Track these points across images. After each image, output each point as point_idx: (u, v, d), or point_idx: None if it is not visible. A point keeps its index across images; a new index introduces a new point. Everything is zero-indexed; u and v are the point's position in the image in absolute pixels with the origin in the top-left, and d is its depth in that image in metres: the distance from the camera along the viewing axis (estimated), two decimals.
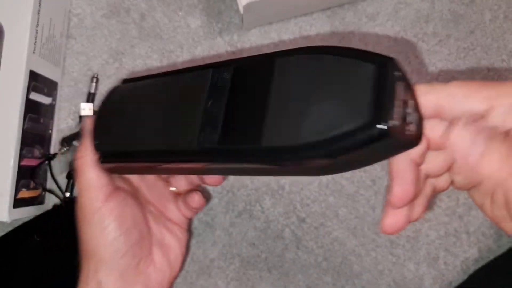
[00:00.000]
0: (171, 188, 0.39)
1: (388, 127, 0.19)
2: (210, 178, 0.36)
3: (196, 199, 0.37)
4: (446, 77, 0.47)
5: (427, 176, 0.27)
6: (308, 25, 0.47)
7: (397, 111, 0.20)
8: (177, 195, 0.39)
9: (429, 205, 0.29)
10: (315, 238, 0.47)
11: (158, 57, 0.47)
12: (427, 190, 0.27)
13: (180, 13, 0.47)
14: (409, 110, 0.21)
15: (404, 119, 0.21)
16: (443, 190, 0.28)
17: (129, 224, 0.33)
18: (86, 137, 0.32)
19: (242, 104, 0.24)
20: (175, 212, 0.38)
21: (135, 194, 0.36)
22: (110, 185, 0.33)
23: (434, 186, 0.28)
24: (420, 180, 0.26)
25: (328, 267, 0.47)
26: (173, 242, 0.37)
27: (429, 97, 0.24)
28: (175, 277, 0.38)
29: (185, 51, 0.47)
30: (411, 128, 0.22)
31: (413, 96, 0.22)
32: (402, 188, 0.25)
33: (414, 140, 0.23)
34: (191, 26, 0.47)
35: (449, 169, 0.26)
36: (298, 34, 0.47)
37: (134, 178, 0.37)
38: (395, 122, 0.20)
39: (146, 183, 0.38)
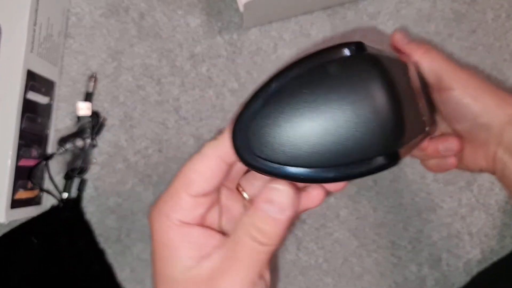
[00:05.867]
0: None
1: None
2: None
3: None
4: None
5: None
6: (308, 24, 0.47)
7: None
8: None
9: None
10: (315, 239, 0.47)
11: (157, 56, 0.46)
12: None
13: (180, 12, 0.47)
14: None
15: None
16: None
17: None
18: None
19: None
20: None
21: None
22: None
23: None
24: None
25: (328, 268, 0.47)
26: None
27: None
28: None
29: (185, 50, 0.46)
30: None
31: None
32: None
33: None
34: (191, 25, 0.47)
35: None
36: (298, 33, 0.47)
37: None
38: None
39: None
